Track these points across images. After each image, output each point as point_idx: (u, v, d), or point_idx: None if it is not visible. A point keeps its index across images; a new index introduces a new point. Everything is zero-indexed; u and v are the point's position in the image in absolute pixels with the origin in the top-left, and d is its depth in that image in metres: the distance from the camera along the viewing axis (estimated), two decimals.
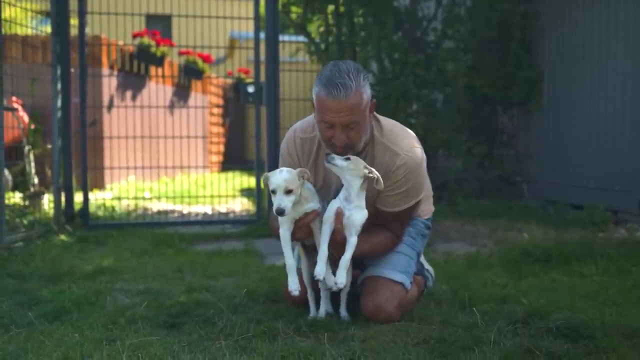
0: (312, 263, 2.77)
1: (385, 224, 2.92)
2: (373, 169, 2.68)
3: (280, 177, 2.58)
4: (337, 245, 2.71)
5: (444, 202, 6.58)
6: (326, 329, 2.65)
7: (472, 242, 5.01)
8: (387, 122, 2.92)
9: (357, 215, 2.69)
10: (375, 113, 2.85)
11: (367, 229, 2.83)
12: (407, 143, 2.85)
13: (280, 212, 2.56)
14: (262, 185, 6.19)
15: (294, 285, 2.65)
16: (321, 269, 2.61)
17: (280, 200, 2.56)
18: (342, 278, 2.65)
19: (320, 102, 2.68)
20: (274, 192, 2.59)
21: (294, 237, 2.74)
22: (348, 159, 2.64)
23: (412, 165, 2.81)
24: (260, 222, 5.93)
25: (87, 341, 2.48)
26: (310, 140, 2.95)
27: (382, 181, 2.67)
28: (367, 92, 2.70)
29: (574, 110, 6.35)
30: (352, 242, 2.68)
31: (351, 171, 2.65)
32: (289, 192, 2.57)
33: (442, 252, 4.56)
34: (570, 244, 4.29)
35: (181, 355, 2.37)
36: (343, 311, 2.87)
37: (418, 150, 2.86)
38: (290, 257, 2.68)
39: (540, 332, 2.57)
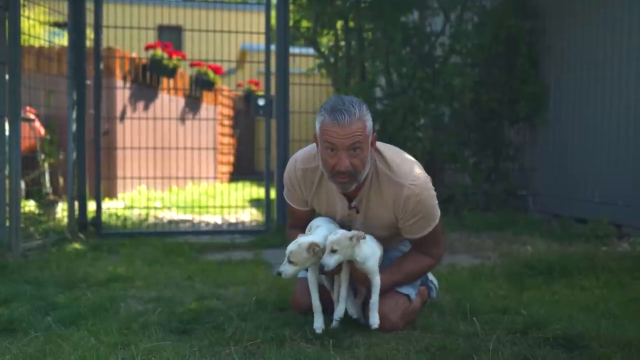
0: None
1: (419, 247, 3.03)
2: (353, 232, 2.75)
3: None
4: (359, 280, 2.89)
5: (451, 214, 6.67)
6: (332, 336, 2.75)
7: (476, 255, 5.09)
8: (388, 152, 2.97)
9: (370, 261, 2.81)
10: (377, 145, 2.93)
11: (402, 256, 3.05)
12: (409, 172, 2.89)
13: (321, 269, 2.72)
14: (271, 196, 6.31)
15: (318, 324, 2.79)
16: (340, 311, 2.84)
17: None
18: (374, 319, 2.79)
19: (324, 128, 2.76)
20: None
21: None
22: (334, 251, 2.69)
23: (419, 193, 2.86)
24: (269, 233, 6.04)
25: (103, 345, 2.59)
26: (312, 170, 3.02)
27: (365, 235, 2.77)
28: (369, 122, 2.79)
29: (578, 125, 6.44)
30: (376, 283, 2.82)
31: (344, 253, 2.72)
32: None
33: (447, 264, 4.63)
34: (573, 258, 4.36)
35: None
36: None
37: (421, 176, 2.91)
38: (317, 299, 2.84)
39: (538, 342, 2.66)
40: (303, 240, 2.76)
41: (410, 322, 3.00)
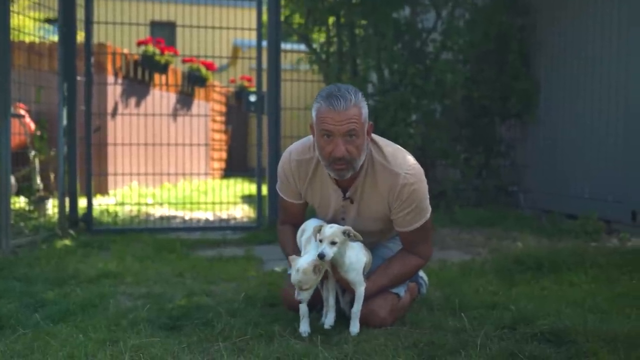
0: None
1: (409, 245, 3.03)
2: (347, 227, 2.79)
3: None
4: (345, 287, 2.92)
5: (442, 210, 6.68)
6: (320, 332, 2.76)
7: (467, 250, 5.11)
8: (383, 142, 2.99)
9: (353, 272, 2.82)
10: (372, 135, 2.94)
11: (389, 258, 3.04)
12: (404, 161, 2.91)
13: (321, 256, 2.70)
14: (263, 192, 6.31)
15: (304, 328, 2.80)
16: (330, 320, 2.87)
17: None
18: (355, 327, 2.80)
19: (321, 114, 2.77)
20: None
21: None
22: (334, 243, 2.71)
23: (414, 182, 2.88)
24: (260, 229, 6.04)
25: (91, 342, 2.59)
26: (306, 162, 3.02)
27: (359, 235, 2.79)
28: (365, 109, 2.79)
29: (569, 122, 6.47)
30: (359, 294, 2.83)
31: (340, 246, 2.74)
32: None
33: (438, 259, 4.64)
34: (562, 253, 4.38)
35: (181, 356, 2.48)
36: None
37: (416, 166, 2.93)
38: (304, 306, 2.82)
39: (526, 337, 2.67)
40: (304, 265, 2.71)
41: (399, 317, 3.01)
